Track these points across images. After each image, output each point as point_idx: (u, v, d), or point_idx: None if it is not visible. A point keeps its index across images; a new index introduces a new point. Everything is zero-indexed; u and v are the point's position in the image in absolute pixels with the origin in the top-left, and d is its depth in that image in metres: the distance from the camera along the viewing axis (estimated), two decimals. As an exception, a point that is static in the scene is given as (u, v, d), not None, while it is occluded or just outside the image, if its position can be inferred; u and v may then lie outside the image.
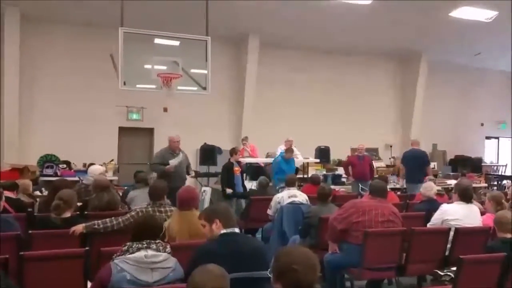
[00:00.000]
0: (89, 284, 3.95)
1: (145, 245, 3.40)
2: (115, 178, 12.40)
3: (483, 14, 13.20)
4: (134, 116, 15.22)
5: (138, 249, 3.37)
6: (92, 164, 10.97)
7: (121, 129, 15.15)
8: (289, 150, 11.00)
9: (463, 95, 19.78)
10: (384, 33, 15.19)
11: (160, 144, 15.16)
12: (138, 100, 14.45)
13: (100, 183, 6.55)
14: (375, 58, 18.07)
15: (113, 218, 5.20)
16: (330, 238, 5.66)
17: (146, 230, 3.50)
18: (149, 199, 5.50)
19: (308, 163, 13.25)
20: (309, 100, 17.05)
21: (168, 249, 3.52)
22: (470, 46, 16.52)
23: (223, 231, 3.71)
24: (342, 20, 13.75)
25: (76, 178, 10.48)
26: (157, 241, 3.50)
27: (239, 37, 15.61)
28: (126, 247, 3.40)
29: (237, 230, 3.81)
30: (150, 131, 15.60)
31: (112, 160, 13.68)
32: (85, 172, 9.32)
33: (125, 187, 8.55)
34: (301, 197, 7.61)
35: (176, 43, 10.22)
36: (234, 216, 3.90)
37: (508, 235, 4.74)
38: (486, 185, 15.32)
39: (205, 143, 14.41)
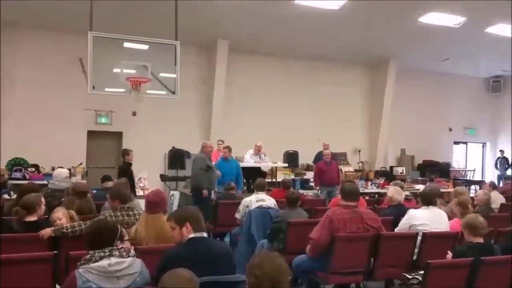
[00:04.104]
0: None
1: (108, 253, 3.32)
2: (84, 181, 12.30)
3: (452, 20, 13.30)
4: (103, 120, 15.11)
5: (101, 258, 3.29)
6: (60, 167, 10.93)
7: (90, 133, 15.02)
8: (226, 147, 11.07)
9: (431, 100, 19.94)
10: (353, 39, 15.30)
11: (128, 147, 15.14)
12: (107, 104, 14.35)
13: (76, 188, 6.59)
14: (344, 63, 18.18)
15: (81, 222, 5.18)
16: (314, 254, 5.58)
17: (101, 238, 3.42)
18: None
19: (276, 167, 13.33)
20: (278, 105, 17.11)
21: (132, 252, 3.46)
22: (439, 52, 16.67)
23: (192, 235, 3.74)
24: (311, 26, 13.83)
25: (45, 182, 10.35)
26: (119, 247, 3.43)
27: (208, 41, 15.61)
28: (89, 255, 3.31)
29: (205, 234, 3.85)
30: (119, 135, 15.52)
31: (81, 163, 13.60)
32: (54, 175, 9.28)
33: (94, 191, 8.50)
34: (269, 201, 7.63)
35: (145, 47, 10.20)
36: (203, 219, 3.93)
37: (478, 239, 4.75)
38: (453, 190, 15.51)
39: (173, 147, 14.42)
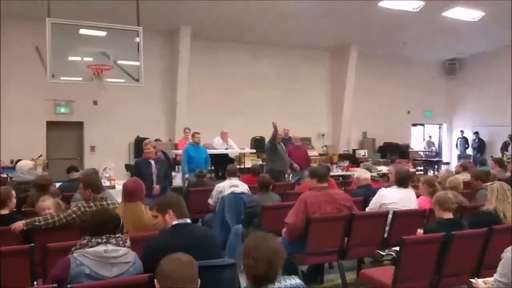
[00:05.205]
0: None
1: (105, 239, 3.32)
2: (45, 174, 11.98)
3: (410, 4, 13.49)
4: (62, 110, 14.72)
5: (98, 244, 3.29)
6: (19, 160, 10.63)
7: (49, 123, 14.61)
8: (196, 133, 11.01)
9: (391, 84, 20.19)
10: (315, 25, 15.32)
11: (90, 138, 14.91)
12: (66, 93, 13.96)
13: (38, 181, 6.41)
14: (307, 50, 18.29)
15: (54, 214, 5.04)
16: (291, 239, 5.53)
17: (101, 226, 3.38)
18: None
19: (244, 153, 13.29)
20: (244, 92, 17.11)
21: (128, 243, 3.45)
22: (398, 37, 16.87)
23: (176, 221, 3.71)
24: (274, 13, 13.81)
25: (4, 175, 10.10)
26: (117, 235, 3.42)
27: (171, 28, 15.39)
28: (85, 241, 3.31)
29: (188, 220, 3.82)
30: (79, 125, 15.18)
31: (41, 155, 13.24)
32: (13, 168, 9.09)
33: (61, 183, 8.26)
34: (242, 187, 7.64)
35: (103, 33, 9.92)
36: (185, 205, 3.90)
37: (447, 214, 4.91)
38: (414, 170, 15.84)
39: (138, 136, 14.20)
